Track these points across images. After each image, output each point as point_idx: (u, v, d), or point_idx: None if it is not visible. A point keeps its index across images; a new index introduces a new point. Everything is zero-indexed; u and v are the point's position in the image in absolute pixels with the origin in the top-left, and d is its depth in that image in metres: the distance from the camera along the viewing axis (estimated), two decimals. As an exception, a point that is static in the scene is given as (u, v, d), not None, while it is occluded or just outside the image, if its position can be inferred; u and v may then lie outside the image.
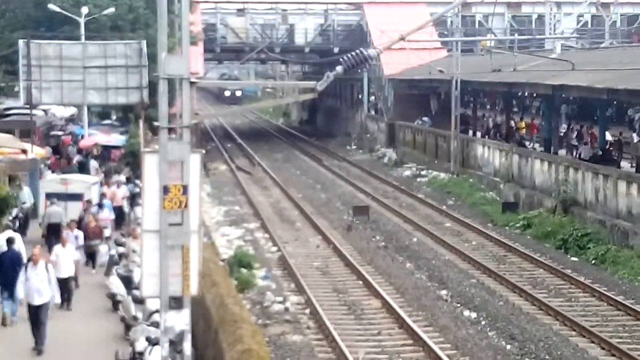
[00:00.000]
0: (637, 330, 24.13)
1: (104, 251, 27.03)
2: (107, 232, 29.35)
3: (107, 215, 30.06)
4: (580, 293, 28.00)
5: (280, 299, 27.79)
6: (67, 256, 23.46)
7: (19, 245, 24.65)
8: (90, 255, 27.17)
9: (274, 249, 35.45)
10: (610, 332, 23.63)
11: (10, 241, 24.24)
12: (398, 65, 65.33)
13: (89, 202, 31.42)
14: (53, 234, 29.94)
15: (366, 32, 71.12)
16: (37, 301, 19.30)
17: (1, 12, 64.88)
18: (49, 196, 33.12)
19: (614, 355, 22.02)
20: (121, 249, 26.16)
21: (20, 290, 20.32)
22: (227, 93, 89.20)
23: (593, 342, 23.03)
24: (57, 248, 23.87)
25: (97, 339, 21.20)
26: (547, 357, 21.99)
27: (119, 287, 23.11)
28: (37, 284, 19.46)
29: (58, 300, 20.42)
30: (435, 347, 22.19)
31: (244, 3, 74.95)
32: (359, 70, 70.14)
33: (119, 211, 32.86)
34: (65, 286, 23.07)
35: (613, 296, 27.01)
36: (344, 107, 78.71)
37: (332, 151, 70.93)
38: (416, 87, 65.69)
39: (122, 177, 36.86)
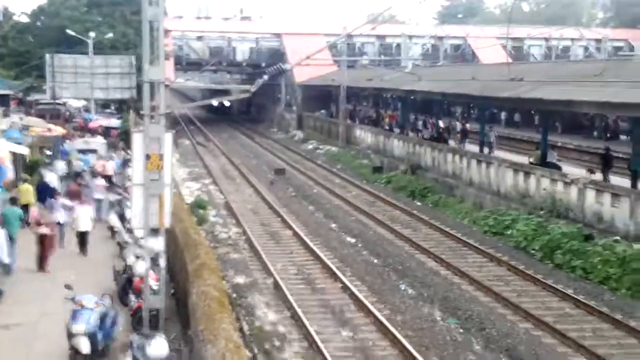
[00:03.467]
0: (458, 250, 24.68)
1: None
2: (100, 195, 26.99)
3: (100, 182, 28.91)
4: (422, 226, 28.43)
5: (225, 230, 27.75)
6: (85, 215, 21.67)
7: (51, 178, 27.85)
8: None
9: (221, 196, 35.24)
10: (441, 251, 24.09)
11: (42, 177, 27.92)
12: (305, 75, 65.27)
13: (78, 174, 31.94)
14: (77, 177, 31.28)
15: (284, 53, 70.63)
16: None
17: (34, 35, 63.28)
18: (79, 151, 35.92)
19: (442, 265, 22.52)
20: (117, 197, 25.83)
21: None
22: (215, 103, 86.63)
23: (429, 257, 23.52)
24: (79, 209, 22.01)
25: (100, 257, 20.97)
26: (400, 267, 22.34)
27: (116, 222, 22.86)
28: None
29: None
30: (328, 261, 22.51)
31: (201, 32, 74.06)
32: (279, 78, 69.98)
33: (109, 178, 31.71)
34: (84, 238, 21.56)
35: (443, 227, 27.53)
36: (269, 102, 78.07)
37: (261, 132, 70.55)
38: (316, 90, 65.59)
39: (116, 154, 36.37)
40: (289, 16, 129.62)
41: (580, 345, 15.76)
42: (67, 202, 23.61)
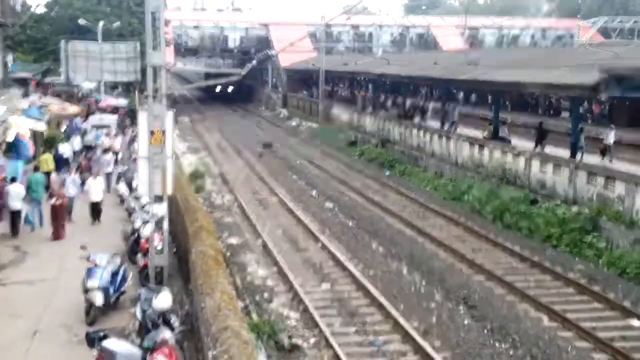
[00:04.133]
0: (421, 213, 24.79)
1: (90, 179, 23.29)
2: (109, 168, 26.40)
3: (109, 157, 28.41)
4: (390, 192, 28.52)
5: (220, 197, 27.70)
6: (97, 186, 21.01)
7: (64, 150, 27.90)
8: (82, 183, 22.81)
9: (216, 167, 35.13)
10: (407, 214, 24.25)
11: (57, 149, 27.63)
12: (289, 60, 64.74)
13: (90, 147, 31.47)
14: (88, 149, 31.06)
15: (270, 40, 69.85)
16: None
17: (49, 24, 62.18)
18: (94, 126, 35.33)
19: (408, 226, 22.63)
20: (125, 168, 25.62)
21: None
22: (218, 88, 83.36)
23: (395, 219, 23.65)
24: (90, 180, 21.38)
25: (111, 222, 20.87)
26: (371, 228, 22.44)
27: (124, 190, 22.71)
28: None
29: None
30: (309, 224, 22.58)
31: (198, 22, 73.09)
32: (266, 63, 69.34)
33: (116, 153, 31.08)
34: (97, 207, 20.83)
35: (408, 194, 27.66)
36: (258, 84, 77.35)
37: (251, 110, 70.07)
38: (299, 73, 65.12)
39: (127, 133, 36.05)
40: (274, 8, 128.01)
41: (525, 295, 16.00)
42: (77, 178, 23.21)
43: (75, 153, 30.16)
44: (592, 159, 23.82)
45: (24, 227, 19.22)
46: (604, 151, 24.67)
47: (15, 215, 18.82)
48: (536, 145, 26.49)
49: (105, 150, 29.81)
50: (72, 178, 22.12)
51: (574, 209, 21.01)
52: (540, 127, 27.59)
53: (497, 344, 13.51)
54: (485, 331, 14.13)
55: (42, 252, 17.55)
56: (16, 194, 18.63)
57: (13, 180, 19.46)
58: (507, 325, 14.27)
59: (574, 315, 14.85)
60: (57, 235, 18.67)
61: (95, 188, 21.00)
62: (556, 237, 20.27)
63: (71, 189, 21.32)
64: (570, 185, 22.02)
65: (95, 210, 20.94)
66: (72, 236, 18.36)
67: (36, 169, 21.75)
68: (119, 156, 31.17)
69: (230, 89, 78.51)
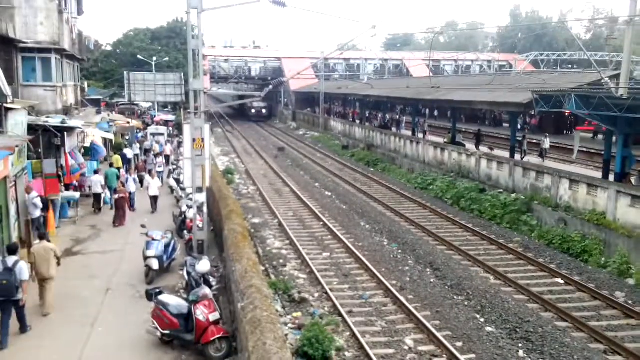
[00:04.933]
0: (398, 199, 24.62)
1: (148, 178, 22.88)
2: (160, 168, 26.10)
3: (162, 160, 28.28)
4: (374, 184, 28.38)
5: (246, 187, 27.58)
6: (154, 184, 20.91)
7: (127, 152, 28.11)
8: (140, 180, 23.42)
9: (243, 166, 34.97)
10: (387, 200, 24.08)
11: (121, 149, 27.97)
12: (297, 85, 64.55)
13: (148, 151, 31.41)
14: (147, 152, 31.04)
15: (283, 70, 69.56)
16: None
17: (115, 59, 62.12)
18: (152, 134, 36.01)
19: (388, 209, 22.51)
20: (174, 167, 25.57)
21: None
22: (253, 111, 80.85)
23: (379, 204, 23.48)
24: (148, 178, 21.50)
25: (165, 205, 20.86)
26: (360, 210, 22.31)
27: (174, 184, 22.71)
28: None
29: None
30: (313, 207, 22.42)
31: (227, 56, 72.82)
32: (280, 87, 69.05)
33: (167, 157, 30.90)
34: (154, 200, 20.66)
35: (388, 185, 27.50)
36: (273, 104, 77.06)
37: (268, 124, 69.75)
38: (305, 95, 64.91)
39: (174, 141, 36.10)
40: (286, 45, 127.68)
41: (477, 260, 15.99)
42: (136, 177, 23.19)
43: (135, 155, 30.24)
44: (533, 159, 23.79)
45: (103, 206, 20.59)
46: (542, 154, 24.65)
47: (97, 197, 20.34)
48: (477, 146, 26.65)
49: (157, 155, 29.85)
50: (132, 177, 22.22)
51: (513, 195, 20.97)
52: (478, 133, 27.67)
53: (455, 297, 13.51)
54: (447, 287, 14.12)
55: (111, 230, 17.59)
56: (97, 182, 20.26)
57: (95, 172, 21.15)
58: (463, 283, 14.27)
59: (513, 275, 14.86)
60: (118, 222, 18.40)
61: (153, 185, 21.10)
62: (499, 216, 20.26)
63: (132, 186, 21.27)
64: (510, 178, 21.98)
65: (153, 202, 20.96)
66: (134, 219, 18.36)
67: (111, 165, 23.17)
68: (170, 158, 31.22)
69: (264, 111, 77.32)
